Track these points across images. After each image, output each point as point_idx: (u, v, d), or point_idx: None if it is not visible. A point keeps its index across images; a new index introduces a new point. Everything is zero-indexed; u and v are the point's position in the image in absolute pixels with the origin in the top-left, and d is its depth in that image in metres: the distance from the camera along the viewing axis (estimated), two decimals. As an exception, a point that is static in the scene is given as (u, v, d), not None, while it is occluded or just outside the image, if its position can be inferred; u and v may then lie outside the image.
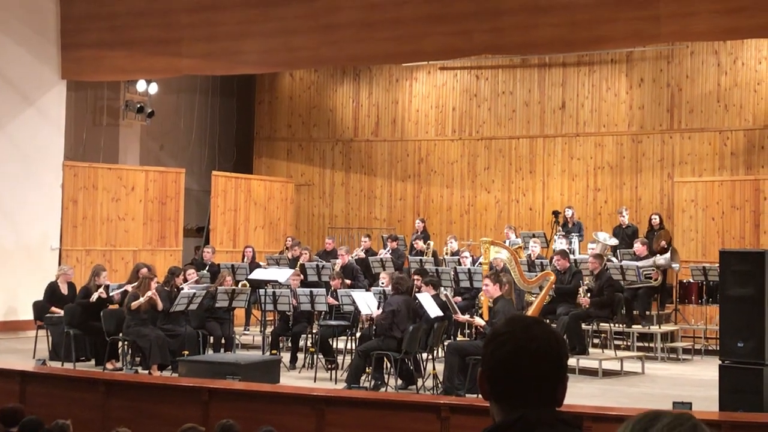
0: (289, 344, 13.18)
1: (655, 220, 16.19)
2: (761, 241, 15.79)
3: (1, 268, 15.39)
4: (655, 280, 14.29)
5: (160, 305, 12.11)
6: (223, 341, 12.88)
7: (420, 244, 16.31)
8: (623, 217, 16.38)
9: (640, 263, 14.33)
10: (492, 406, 2.14)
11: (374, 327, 11.45)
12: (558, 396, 2.12)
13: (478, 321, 11.10)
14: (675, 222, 16.76)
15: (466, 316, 11.60)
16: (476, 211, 19.22)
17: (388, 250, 16.12)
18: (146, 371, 11.71)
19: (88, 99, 18.37)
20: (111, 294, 12.76)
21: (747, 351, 9.07)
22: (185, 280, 13.07)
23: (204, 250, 16.17)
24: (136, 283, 12.45)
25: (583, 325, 13.02)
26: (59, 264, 15.43)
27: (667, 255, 14.47)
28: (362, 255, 15.94)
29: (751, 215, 16.07)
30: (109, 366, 12.15)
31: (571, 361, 12.49)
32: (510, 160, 19.02)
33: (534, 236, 15.90)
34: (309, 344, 12.88)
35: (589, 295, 12.86)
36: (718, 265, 10.22)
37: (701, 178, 17.08)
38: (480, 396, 2.16)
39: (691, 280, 14.74)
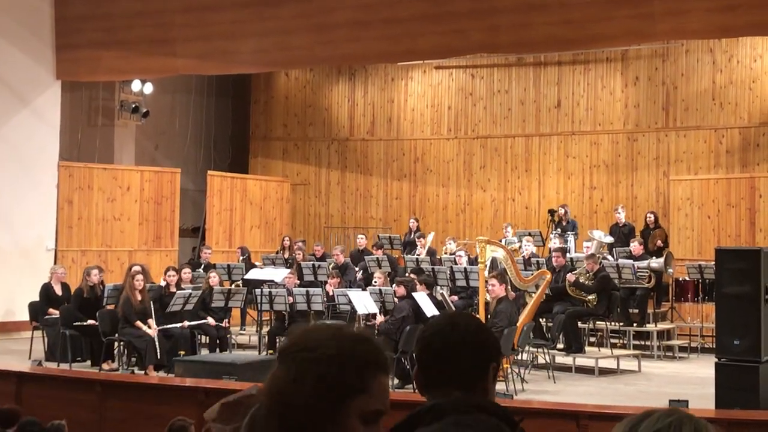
0: (286, 344, 13.15)
1: (650, 218, 16.21)
2: (757, 239, 15.81)
3: (-3, 270, 15.37)
4: (648, 282, 14.29)
5: (136, 302, 12.10)
6: (218, 341, 12.88)
7: (423, 241, 16.26)
8: (619, 215, 16.39)
9: (638, 263, 14.34)
10: (427, 399, 2.20)
11: (377, 330, 11.42)
12: (485, 385, 2.18)
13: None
14: (671, 220, 16.78)
15: None
16: (472, 210, 19.22)
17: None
18: (142, 372, 11.70)
19: (83, 99, 18.33)
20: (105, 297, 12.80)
21: (743, 348, 9.08)
22: (180, 280, 13.15)
23: (202, 250, 16.18)
24: (121, 284, 12.53)
25: (580, 324, 13.04)
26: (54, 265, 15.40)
27: (661, 260, 14.46)
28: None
29: (746, 213, 16.08)
30: (105, 367, 12.14)
31: (568, 360, 12.53)
32: (506, 158, 19.02)
33: (530, 235, 15.92)
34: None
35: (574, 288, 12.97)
36: (713, 262, 10.23)
37: (697, 176, 17.09)
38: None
39: (687, 278, 14.76)
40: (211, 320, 12.83)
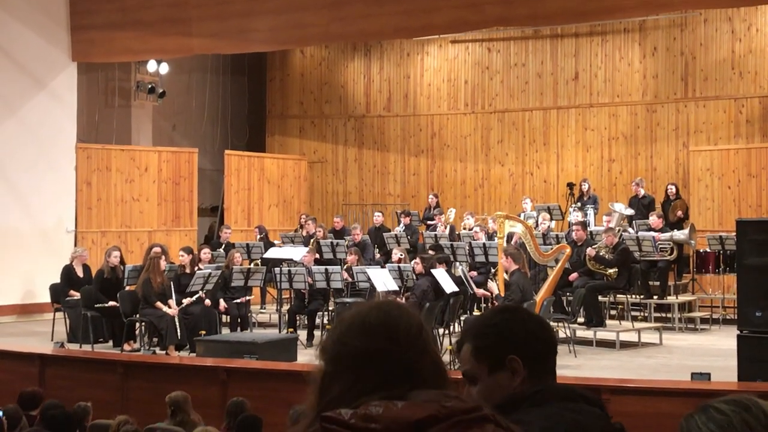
0: (306, 322, 13.20)
1: (671, 189, 16.10)
2: (778, 209, 15.68)
3: (18, 252, 15.45)
4: (670, 254, 14.19)
5: (156, 283, 12.11)
6: (239, 320, 12.91)
7: (442, 218, 16.23)
8: (639, 187, 16.27)
9: (659, 235, 14.22)
10: (503, 381, 2.13)
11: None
12: (553, 377, 2.20)
13: (492, 286, 11.10)
14: (691, 191, 16.66)
15: (482, 291, 11.58)
16: (490, 185, 19.15)
17: (402, 226, 16.09)
18: (163, 352, 11.76)
19: (99, 81, 18.34)
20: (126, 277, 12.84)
21: (765, 320, 9.01)
22: (199, 260, 13.17)
23: (222, 230, 16.20)
24: (144, 266, 12.52)
25: (600, 297, 12.99)
26: (75, 246, 15.47)
27: (686, 231, 14.37)
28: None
29: (767, 183, 15.94)
30: (126, 347, 12.21)
31: (589, 333, 12.49)
32: (523, 132, 18.92)
33: (548, 209, 15.84)
34: (325, 321, 12.90)
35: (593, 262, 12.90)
36: (734, 234, 10.14)
37: (716, 146, 16.94)
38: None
39: (708, 250, 14.65)
40: (223, 304, 12.79)
